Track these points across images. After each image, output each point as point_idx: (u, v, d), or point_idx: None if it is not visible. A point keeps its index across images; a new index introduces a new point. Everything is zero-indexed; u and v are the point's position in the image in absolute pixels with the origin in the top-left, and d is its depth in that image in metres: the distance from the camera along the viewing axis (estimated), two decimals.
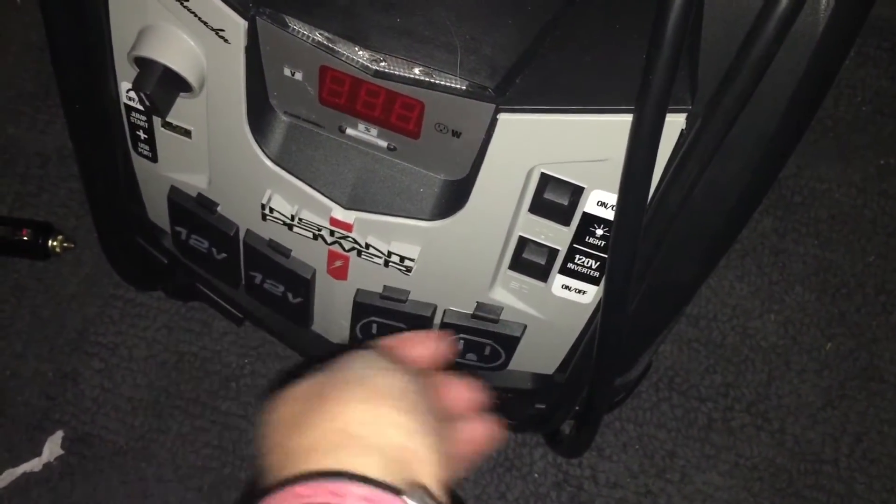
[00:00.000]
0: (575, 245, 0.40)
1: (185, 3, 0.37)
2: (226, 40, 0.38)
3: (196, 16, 0.37)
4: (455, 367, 0.48)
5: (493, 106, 0.35)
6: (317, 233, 0.43)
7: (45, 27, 0.41)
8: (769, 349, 0.64)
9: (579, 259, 0.41)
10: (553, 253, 0.41)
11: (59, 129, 0.65)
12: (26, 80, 0.66)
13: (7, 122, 0.65)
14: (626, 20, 0.35)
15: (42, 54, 0.67)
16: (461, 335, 0.46)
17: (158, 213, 0.50)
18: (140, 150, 0.46)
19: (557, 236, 0.40)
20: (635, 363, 0.49)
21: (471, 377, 0.49)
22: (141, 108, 0.43)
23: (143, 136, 0.45)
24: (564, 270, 0.41)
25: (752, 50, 0.30)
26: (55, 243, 0.60)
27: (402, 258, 0.42)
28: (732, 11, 0.33)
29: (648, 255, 0.37)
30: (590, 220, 0.39)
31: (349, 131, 0.40)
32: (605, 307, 0.37)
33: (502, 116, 0.35)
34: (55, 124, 0.65)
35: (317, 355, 0.52)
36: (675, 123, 0.34)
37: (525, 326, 0.45)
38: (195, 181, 0.46)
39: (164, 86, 0.39)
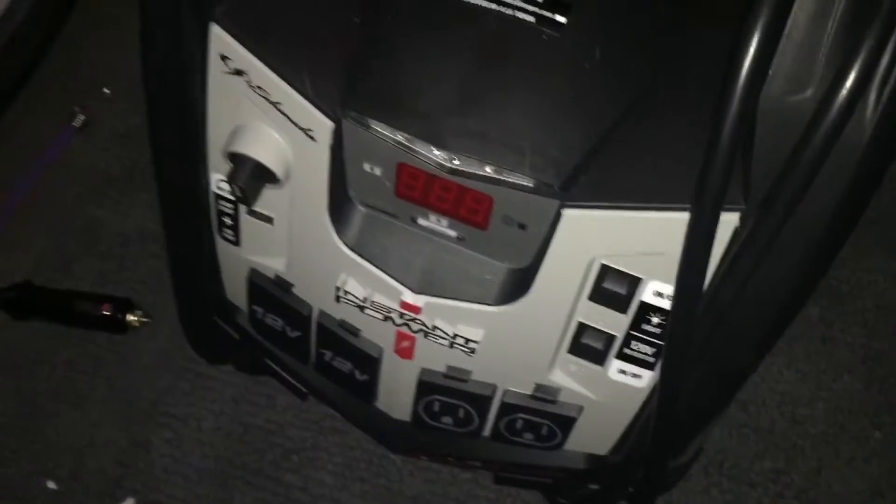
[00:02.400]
0: (632, 332, 0.42)
1: (279, 106, 0.41)
2: (313, 139, 0.41)
3: (288, 117, 0.41)
4: (514, 446, 0.51)
5: (558, 202, 0.38)
6: (387, 315, 0.46)
7: (149, 123, 0.45)
8: (818, 436, 0.65)
9: (635, 345, 0.43)
10: (610, 339, 0.43)
11: (140, 212, 0.69)
12: (112, 165, 0.71)
13: (93, 203, 0.69)
14: (683, 123, 0.39)
15: (127, 141, 0.72)
16: (519, 415, 0.48)
17: (235, 292, 0.54)
18: (224, 234, 0.50)
19: (615, 323, 0.42)
20: (688, 446, 0.50)
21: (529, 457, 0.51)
22: (230, 197, 0.47)
23: (228, 221, 0.49)
24: (621, 355, 0.43)
25: (803, 155, 0.33)
26: (133, 318, 0.64)
27: (467, 340, 0.44)
28: (784, 118, 0.36)
29: (702, 344, 0.39)
30: (646, 309, 0.41)
31: (421, 221, 0.43)
32: (661, 393, 0.40)
33: (566, 212, 0.38)
34: (136, 207, 0.70)
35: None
36: (729, 222, 0.37)
37: (581, 408, 0.47)
38: (274, 264, 0.49)
39: (254, 178, 0.43)
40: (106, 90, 0.74)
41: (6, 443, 0.61)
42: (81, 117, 0.72)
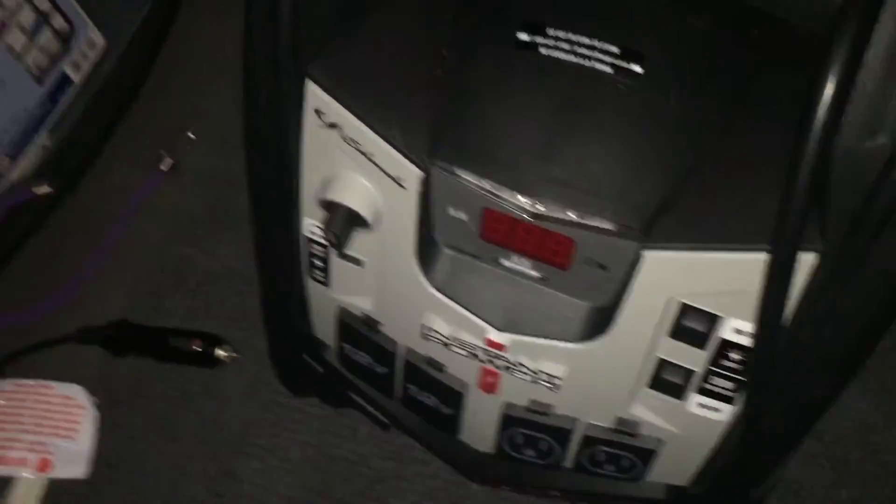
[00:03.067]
0: (711, 367, 0.44)
1: (371, 157, 0.44)
2: (403, 187, 0.44)
3: (379, 167, 0.44)
4: (595, 477, 0.52)
5: (638, 244, 0.40)
6: (472, 351, 0.48)
7: (248, 174, 0.48)
8: (894, 464, 0.65)
9: (715, 380, 0.44)
10: (689, 374, 0.44)
11: (225, 250, 0.73)
12: (198, 206, 0.75)
13: (182, 243, 0.73)
14: (759, 165, 0.40)
15: (211, 183, 0.75)
16: (600, 447, 0.50)
17: (323, 329, 0.56)
18: (315, 275, 0.52)
19: (694, 359, 0.44)
20: (769, 476, 0.51)
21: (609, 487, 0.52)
22: (321, 241, 0.50)
23: (319, 263, 0.52)
24: (700, 390, 0.45)
25: (879, 197, 0.34)
26: (222, 353, 0.67)
27: (550, 376, 0.46)
28: (859, 162, 0.37)
29: (782, 379, 0.40)
30: (726, 346, 0.42)
31: (504, 262, 0.45)
32: (744, 426, 0.41)
33: (646, 253, 0.40)
34: (221, 245, 0.73)
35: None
36: (806, 262, 0.38)
37: (662, 440, 0.48)
38: (362, 303, 0.52)
39: (347, 225, 0.46)
40: (190, 134, 0.77)
41: (107, 474, 0.64)
42: (169, 161, 0.76)
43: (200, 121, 0.78)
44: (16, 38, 0.65)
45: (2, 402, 0.65)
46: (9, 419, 0.65)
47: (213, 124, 0.78)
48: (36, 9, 0.66)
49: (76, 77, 0.72)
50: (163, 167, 0.76)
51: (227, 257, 0.72)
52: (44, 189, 0.72)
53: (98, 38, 0.73)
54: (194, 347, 0.66)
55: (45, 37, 0.68)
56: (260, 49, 0.42)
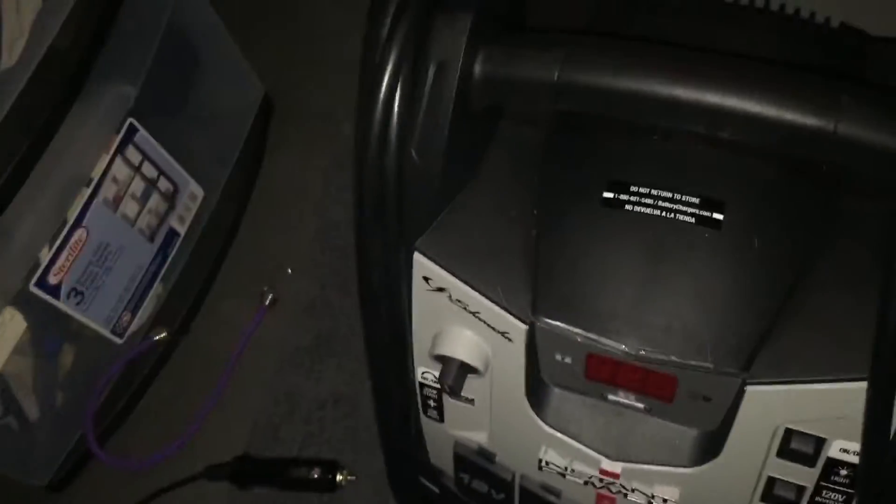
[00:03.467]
0: (821, 483, 0.46)
1: (477, 315, 0.48)
2: (509, 339, 0.48)
3: (486, 323, 0.48)
4: None
5: (740, 380, 0.43)
6: (587, 480, 0.51)
7: (364, 332, 0.52)
8: None
9: (826, 494, 0.46)
10: (801, 489, 0.47)
11: (330, 376, 0.78)
12: (301, 336, 0.80)
13: (289, 372, 0.78)
14: (847, 298, 0.43)
15: (311, 314, 0.81)
16: None
17: (440, 458, 0.60)
18: (429, 414, 0.56)
19: (804, 475, 0.46)
20: None
21: None
22: (434, 385, 0.54)
23: (432, 404, 0.55)
24: (813, 503, 0.47)
25: None
26: (341, 477, 0.71)
27: (665, 500, 0.49)
28: None
29: (890, 493, 0.42)
30: (833, 463, 0.45)
31: (610, 397, 0.48)
32: None
33: (749, 388, 0.43)
34: (327, 372, 0.78)
35: None
36: None
37: None
38: (476, 437, 0.55)
39: (459, 375, 0.49)
40: (288, 269, 0.83)
41: None
42: (270, 296, 0.81)
43: (294, 255, 0.84)
44: (130, 208, 0.72)
45: None
46: None
47: (306, 260, 0.83)
48: (144, 177, 0.73)
49: (181, 229, 0.79)
50: (266, 302, 0.81)
51: (333, 383, 0.77)
52: (161, 335, 0.78)
53: (198, 191, 0.80)
54: (315, 475, 0.71)
55: (154, 200, 0.74)
56: (371, 231, 0.46)
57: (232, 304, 0.82)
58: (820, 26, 0.53)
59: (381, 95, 0.42)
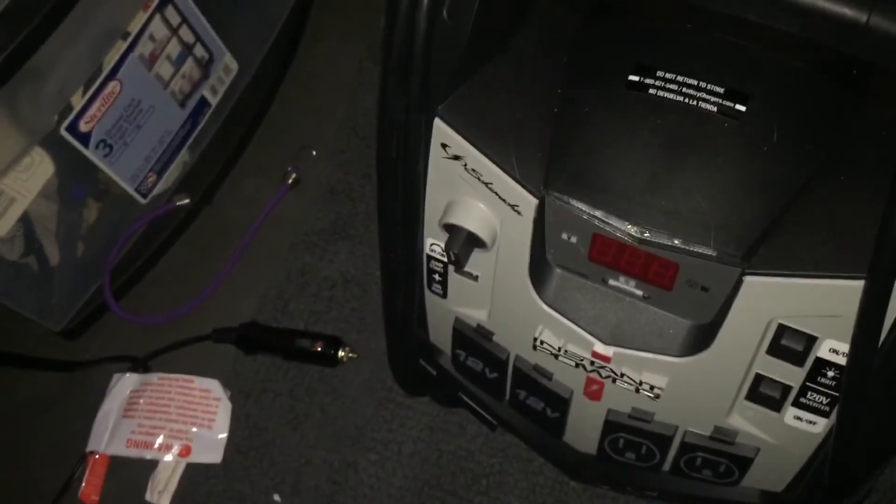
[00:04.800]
0: (807, 383, 0.47)
1: (490, 186, 0.49)
2: (519, 213, 0.48)
3: (497, 195, 0.49)
4: (692, 480, 0.56)
5: (740, 270, 0.44)
6: (578, 362, 0.52)
7: (378, 198, 0.53)
8: None
9: (811, 395, 0.47)
10: (787, 388, 0.48)
11: (342, 258, 0.79)
12: (319, 217, 0.81)
13: (304, 251, 0.80)
14: (856, 199, 0.43)
15: (332, 196, 0.82)
16: (698, 453, 0.53)
17: (439, 337, 0.62)
18: (433, 288, 0.58)
19: (791, 375, 0.47)
20: (860, 488, 0.54)
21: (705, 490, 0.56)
22: (441, 258, 0.55)
23: (437, 278, 0.57)
24: (797, 403, 0.48)
25: None
26: (343, 353, 0.73)
27: (652, 387, 0.50)
28: None
29: (875, 397, 0.43)
30: (822, 364, 0.45)
31: (611, 282, 0.49)
32: (835, 442, 0.44)
33: (747, 279, 0.44)
34: (339, 254, 0.79)
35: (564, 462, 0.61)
36: None
37: (758, 449, 0.51)
38: (477, 314, 0.56)
39: (466, 246, 0.50)
40: (313, 152, 0.84)
41: (240, 461, 0.71)
42: (293, 175, 0.82)
43: (320, 140, 0.84)
44: (164, 69, 0.73)
45: (149, 393, 0.73)
46: (155, 409, 0.72)
47: (331, 144, 0.84)
48: (181, 40, 0.74)
49: (213, 100, 0.80)
50: (288, 182, 0.82)
51: (344, 265, 0.78)
52: (184, 201, 0.80)
53: (233, 64, 0.80)
54: (318, 348, 0.73)
55: (189, 65, 0.75)
56: (394, 93, 0.47)
57: (255, 180, 0.84)
58: None
59: None
